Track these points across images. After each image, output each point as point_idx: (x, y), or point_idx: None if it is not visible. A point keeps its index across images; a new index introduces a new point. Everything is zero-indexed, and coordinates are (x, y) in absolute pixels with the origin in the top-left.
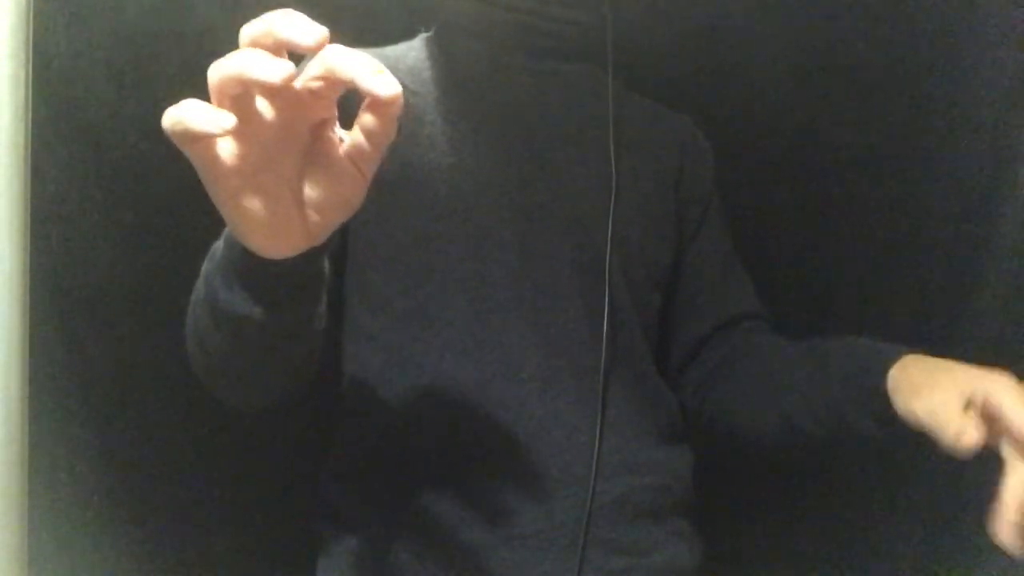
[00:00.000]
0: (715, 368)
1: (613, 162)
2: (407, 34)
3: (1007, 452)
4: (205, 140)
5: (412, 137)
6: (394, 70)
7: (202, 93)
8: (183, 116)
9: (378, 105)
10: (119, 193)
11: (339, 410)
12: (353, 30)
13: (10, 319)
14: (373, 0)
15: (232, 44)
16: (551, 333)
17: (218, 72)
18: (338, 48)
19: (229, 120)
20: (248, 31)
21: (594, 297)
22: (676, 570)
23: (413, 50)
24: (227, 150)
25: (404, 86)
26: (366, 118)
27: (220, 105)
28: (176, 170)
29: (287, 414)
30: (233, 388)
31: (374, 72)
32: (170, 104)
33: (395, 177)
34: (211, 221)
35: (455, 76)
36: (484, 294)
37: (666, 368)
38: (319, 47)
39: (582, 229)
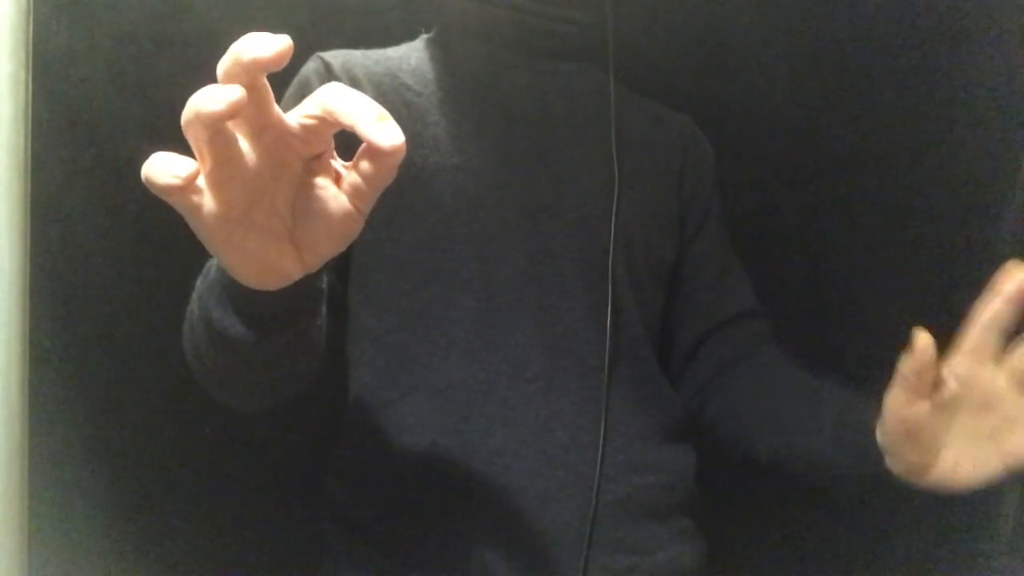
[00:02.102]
0: (714, 374)
1: (616, 161)
2: (408, 35)
3: None
4: (178, 192)
5: (416, 138)
6: (398, 71)
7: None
8: (148, 173)
9: (379, 153)
10: (119, 193)
11: (344, 410)
12: (354, 31)
13: (10, 319)
14: (373, 1)
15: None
16: (556, 332)
17: (183, 120)
18: (338, 88)
19: (187, 167)
20: (220, 67)
21: (599, 296)
22: (679, 569)
23: (415, 51)
24: (210, 198)
25: (408, 87)
26: (365, 165)
27: (198, 151)
28: None
29: (291, 415)
30: (232, 397)
31: (376, 119)
32: (170, 104)
33: (399, 178)
34: None
35: (457, 77)
36: (489, 294)
37: (667, 367)
38: (280, 56)
39: (586, 229)
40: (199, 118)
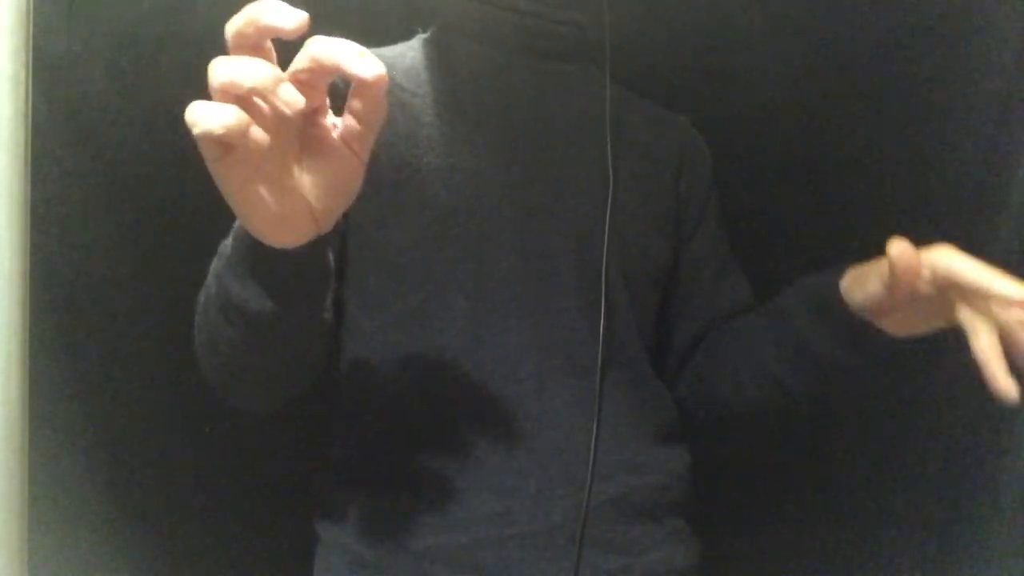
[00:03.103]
0: (701, 360)
1: (610, 162)
2: (405, 35)
3: (963, 316)
4: (215, 141)
5: (410, 138)
6: (392, 70)
7: (202, 93)
8: (193, 117)
9: (364, 87)
10: (119, 193)
11: (336, 410)
12: (351, 31)
13: (10, 319)
14: (372, 1)
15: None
16: (549, 333)
17: (226, 77)
18: (320, 38)
19: (233, 116)
20: (231, 25)
21: (593, 297)
22: (673, 570)
23: (411, 51)
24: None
25: (402, 88)
26: (355, 102)
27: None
28: (175, 170)
29: (286, 414)
30: (245, 388)
31: (357, 56)
32: (170, 104)
33: (393, 179)
34: (210, 221)
35: (453, 77)
36: (483, 294)
37: (662, 368)
38: (300, 29)
39: (581, 229)
40: (242, 89)
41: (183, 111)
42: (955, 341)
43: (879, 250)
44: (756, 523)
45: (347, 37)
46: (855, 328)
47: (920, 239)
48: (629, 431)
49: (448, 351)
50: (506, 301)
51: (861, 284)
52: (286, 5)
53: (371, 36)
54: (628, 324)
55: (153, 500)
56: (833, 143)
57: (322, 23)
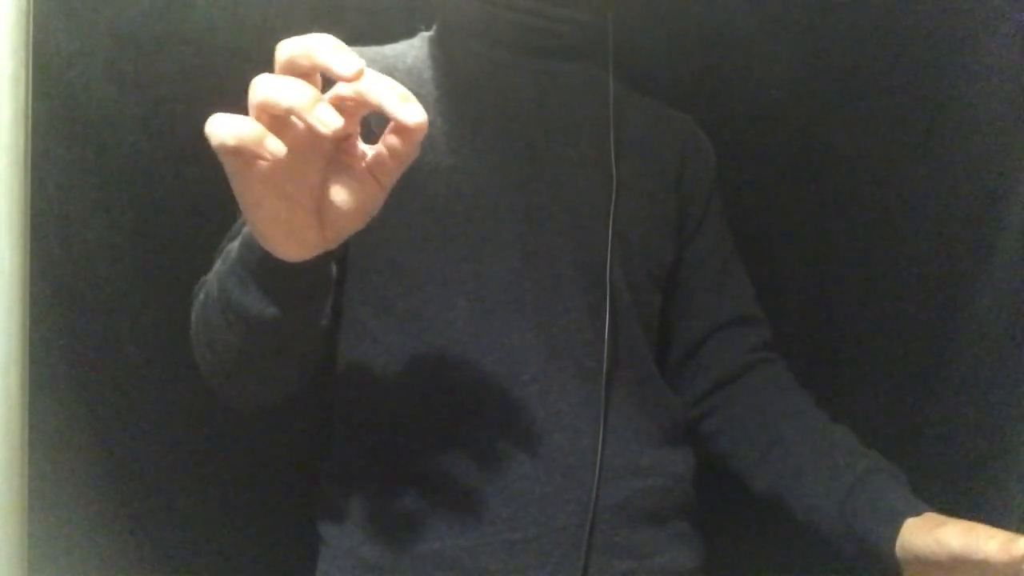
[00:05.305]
0: (715, 386)
1: (613, 162)
2: (407, 33)
3: None
4: (233, 152)
5: None
6: (393, 69)
7: (201, 94)
8: (211, 129)
9: (404, 130)
10: (119, 193)
11: (338, 411)
12: (353, 28)
13: (10, 319)
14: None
15: (232, 44)
16: (552, 334)
17: (265, 95)
18: (369, 73)
19: (250, 129)
20: (287, 50)
21: (595, 298)
22: (678, 572)
23: (413, 49)
24: (257, 166)
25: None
26: (391, 139)
27: (258, 119)
28: (175, 170)
29: (287, 414)
30: (240, 387)
31: (402, 99)
32: (170, 104)
33: None
34: (209, 220)
35: (455, 76)
36: (484, 295)
37: (663, 367)
38: (356, 79)
39: (582, 229)
40: (289, 112)
41: (183, 111)
42: (957, 345)
43: (879, 251)
44: (760, 525)
45: (348, 36)
46: (883, 557)
47: (921, 239)
48: (634, 434)
49: (451, 353)
50: (507, 302)
51: (929, 535)
52: (348, 50)
53: (371, 34)
54: (632, 325)
55: (154, 501)
56: (834, 142)
57: (323, 22)
